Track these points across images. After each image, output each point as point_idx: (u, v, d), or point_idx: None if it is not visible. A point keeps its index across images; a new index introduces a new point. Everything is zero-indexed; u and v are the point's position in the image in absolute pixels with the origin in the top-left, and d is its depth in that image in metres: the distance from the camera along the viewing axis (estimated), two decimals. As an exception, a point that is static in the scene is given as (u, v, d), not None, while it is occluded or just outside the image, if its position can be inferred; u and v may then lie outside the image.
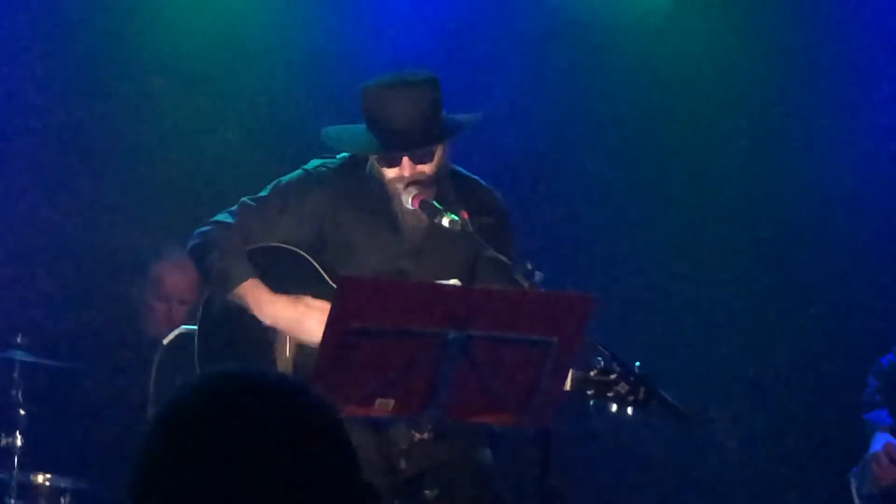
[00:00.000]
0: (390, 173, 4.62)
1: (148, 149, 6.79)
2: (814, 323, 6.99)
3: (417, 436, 4.12)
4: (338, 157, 4.82)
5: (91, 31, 6.74)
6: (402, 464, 4.56)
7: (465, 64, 6.76)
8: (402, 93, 4.58)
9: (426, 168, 4.61)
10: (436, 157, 4.63)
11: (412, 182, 4.59)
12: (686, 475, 6.98)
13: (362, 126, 4.67)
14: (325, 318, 4.24)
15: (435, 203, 4.54)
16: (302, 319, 4.54)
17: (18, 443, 5.88)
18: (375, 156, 4.66)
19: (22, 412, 5.92)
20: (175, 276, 6.42)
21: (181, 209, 6.24)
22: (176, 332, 4.93)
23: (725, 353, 7.01)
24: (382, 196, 4.68)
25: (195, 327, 4.73)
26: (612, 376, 4.40)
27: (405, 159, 4.58)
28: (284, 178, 4.79)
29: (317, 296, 4.58)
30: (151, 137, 6.78)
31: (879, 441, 5.79)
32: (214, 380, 2.05)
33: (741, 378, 7.03)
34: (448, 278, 4.61)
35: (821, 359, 6.95)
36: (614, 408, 4.42)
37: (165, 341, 4.95)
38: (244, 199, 4.77)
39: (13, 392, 5.94)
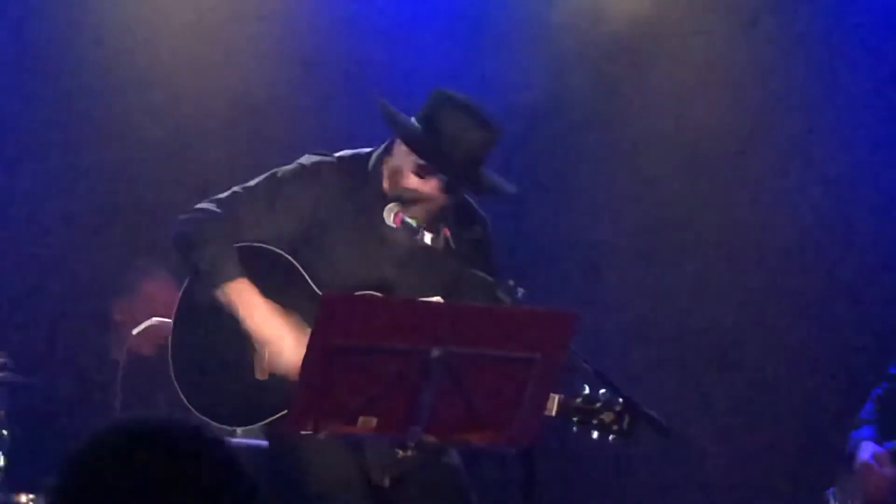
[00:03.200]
0: (413, 182, 4.58)
1: (128, 165, 6.77)
2: (798, 339, 6.99)
3: (401, 453, 4.12)
4: (335, 155, 4.77)
5: (70, 43, 6.72)
6: (386, 482, 4.56)
7: (454, 66, 6.76)
8: (475, 125, 4.55)
9: (444, 198, 4.59)
10: (456, 195, 4.64)
11: (396, 199, 4.58)
12: (668, 491, 6.98)
13: (414, 120, 4.63)
14: (297, 352, 4.30)
15: (415, 221, 4.54)
16: (278, 342, 4.51)
17: (2, 462, 5.86)
18: (411, 159, 4.59)
19: (5, 432, 5.91)
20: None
21: (161, 227, 6.23)
22: (146, 324, 4.85)
23: (709, 368, 7.01)
24: (377, 202, 4.65)
25: (166, 320, 4.66)
26: (597, 405, 4.42)
27: (436, 181, 4.56)
28: (279, 171, 4.72)
29: (299, 300, 4.56)
30: (130, 154, 6.76)
31: (866, 450, 5.79)
32: (111, 433, 2.10)
33: (724, 395, 7.03)
34: (434, 291, 4.60)
35: (804, 377, 6.96)
36: (595, 434, 4.44)
37: (135, 332, 4.87)
38: (235, 188, 4.70)
39: (-4, 413, 5.94)
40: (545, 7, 7.03)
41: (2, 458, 5.86)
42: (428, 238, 4.46)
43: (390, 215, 4.57)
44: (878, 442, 5.81)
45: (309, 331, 4.45)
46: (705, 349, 7.02)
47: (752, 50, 7.05)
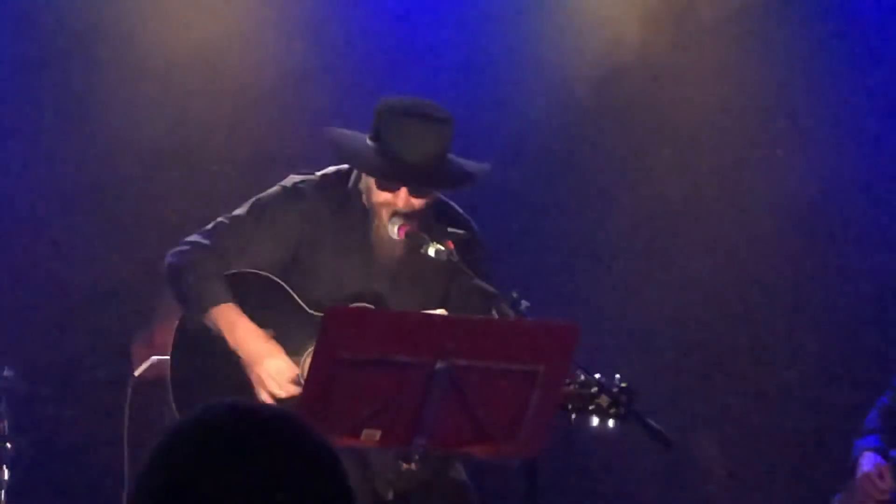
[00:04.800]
0: (382, 197, 4.61)
1: (135, 180, 6.77)
2: (802, 348, 6.99)
3: (405, 466, 4.13)
4: (318, 173, 4.80)
5: (77, 43, 6.70)
6: (390, 494, 4.57)
7: (447, 71, 6.76)
8: (422, 127, 4.56)
9: (418, 202, 4.61)
10: (431, 195, 4.65)
11: (397, 213, 4.60)
12: (671, 500, 6.97)
13: (367, 141, 4.65)
14: (286, 368, 4.39)
15: (421, 234, 4.56)
16: (265, 358, 4.51)
17: (6, 476, 5.87)
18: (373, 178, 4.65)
19: (9, 446, 5.91)
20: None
21: (168, 240, 6.24)
22: (147, 363, 4.88)
23: (712, 377, 7.01)
24: (362, 217, 4.67)
25: (167, 358, 4.69)
26: (593, 389, 4.40)
27: (404, 190, 4.58)
28: (262, 196, 4.76)
29: (292, 323, 4.58)
30: (139, 168, 6.76)
31: (869, 461, 5.80)
32: (216, 412, 2.06)
33: (728, 403, 7.03)
34: (424, 303, 4.62)
35: (808, 385, 6.96)
36: (595, 421, 4.40)
37: (137, 373, 4.90)
38: (220, 218, 4.74)
39: (0, 425, 5.94)
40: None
41: (6, 471, 5.87)
42: (432, 251, 4.47)
43: (394, 228, 4.59)
44: (883, 451, 5.82)
45: (281, 353, 4.51)
46: (708, 357, 7.01)
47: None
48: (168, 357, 4.67)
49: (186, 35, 6.79)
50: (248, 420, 2.04)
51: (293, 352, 4.55)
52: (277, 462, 2.00)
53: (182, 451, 2.01)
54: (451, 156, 4.67)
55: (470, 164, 4.72)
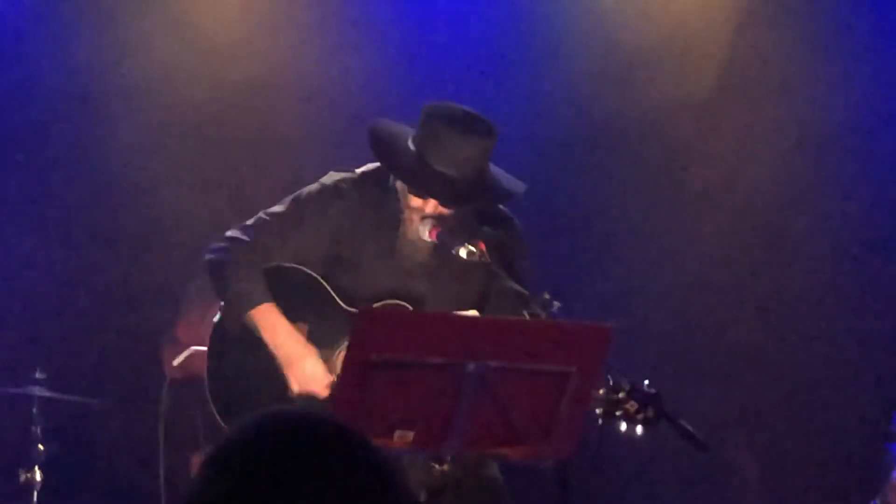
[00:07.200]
0: (414, 202, 4.62)
1: (164, 181, 6.78)
2: (838, 349, 6.96)
3: (437, 468, 4.12)
4: (357, 171, 4.81)
5: (93, 45, 6.72)
6: (423, 495, 4.56)
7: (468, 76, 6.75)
8: (463, 141, 4.55)
9: (448, 210, 4.62)
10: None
11: (428, 217, 4.60)
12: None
13: (408, 142, 4.65)
14: (319, 372, 4.45)
15: (452, 236, 4.55)
16: (303, 360, 4.55)
17: (38, 478, 5.88)
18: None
19: (41, 448, 5.93)
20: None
21: (198, 242, 6.25)
22: (185, 353, 4.89)
23: (745, 381, 6.99)
24: (398, 216, 4.68)
25: (204, 349, 4.71)
26: (621, 395, 4.38)
27: (433, 200, 4.60)
28: (303, 193, 4.78)
29: (327, 318, 4.61)
30: (167, 170, 6.77)
31: None
32: (273, 421, 2.01)
33: (761, 408, 7.01)
34: (461, 302, 4.63)
35: (843, 389, 6.92)
36: (623, 426, 4.38)
37: (175, 362, 4.91)
38: (261, 213, 4.76)
39: (32, 428, 5.96)
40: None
41: (38, 473, 5.89)
42: (463, 252, 4.47)
43: (426, 230, 4.59)
44: None
45: (316, 355, 4.51)
46: (742, 360, 6.99)
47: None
48: (205, 348, 4.68)
49: (217, 32, 6.80)
50: (305, 431, 1.99)
51: (327, 346, 4.58)
52: (337, 477, 1.95)
53: (238, 463, 1.96)
54: (491, 167, 4.66)
55: (508, 180, 4.71)
